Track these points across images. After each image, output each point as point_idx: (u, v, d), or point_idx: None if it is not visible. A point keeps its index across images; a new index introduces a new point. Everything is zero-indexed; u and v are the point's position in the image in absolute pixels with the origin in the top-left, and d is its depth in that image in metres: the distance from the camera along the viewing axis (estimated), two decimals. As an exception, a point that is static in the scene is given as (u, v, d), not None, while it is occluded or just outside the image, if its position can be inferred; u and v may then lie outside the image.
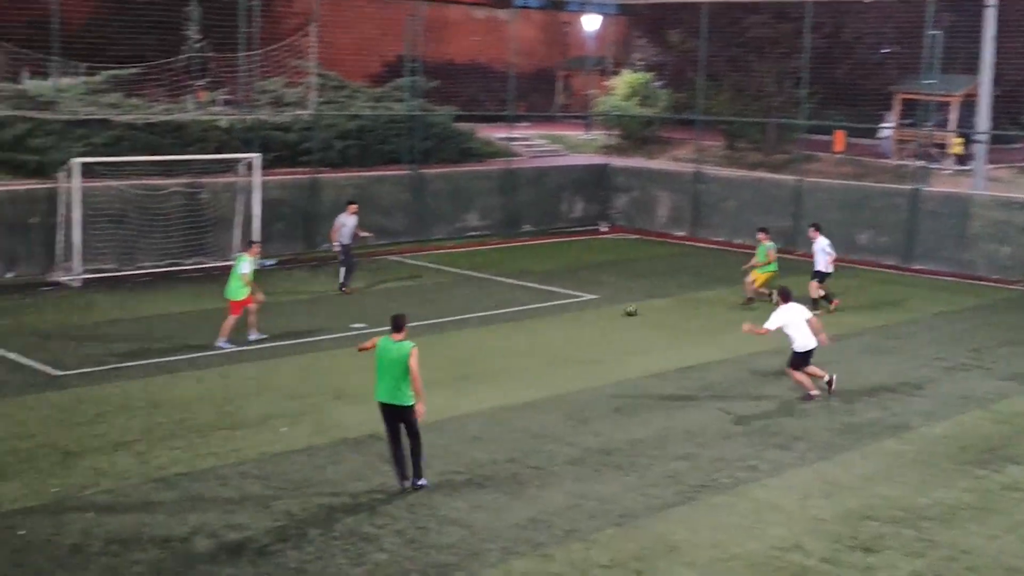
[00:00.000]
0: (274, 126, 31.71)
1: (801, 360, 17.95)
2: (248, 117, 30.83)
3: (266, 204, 28.43)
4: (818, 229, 24.93)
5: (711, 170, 36.36)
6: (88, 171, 25.38)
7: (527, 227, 35.82)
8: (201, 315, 22.34)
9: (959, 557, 12.29)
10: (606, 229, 36.94)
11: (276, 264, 28.24)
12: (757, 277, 24.78)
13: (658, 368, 19.77)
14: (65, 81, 28.59)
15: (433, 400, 17.23)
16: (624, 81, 41.91)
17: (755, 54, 38.75)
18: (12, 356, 19.04)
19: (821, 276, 24.56)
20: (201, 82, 31.30)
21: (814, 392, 17.97)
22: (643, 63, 44.69)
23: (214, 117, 30.71)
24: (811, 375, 18.02)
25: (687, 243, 34.84)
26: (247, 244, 21.28)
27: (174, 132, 29.90)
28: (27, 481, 13.49)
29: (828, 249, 24.54)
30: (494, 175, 35.52)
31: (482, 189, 35.00)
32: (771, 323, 17.82)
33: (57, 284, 24.96)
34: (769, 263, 24.70)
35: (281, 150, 31.72)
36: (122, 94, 29.84)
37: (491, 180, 35.33)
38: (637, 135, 41.74)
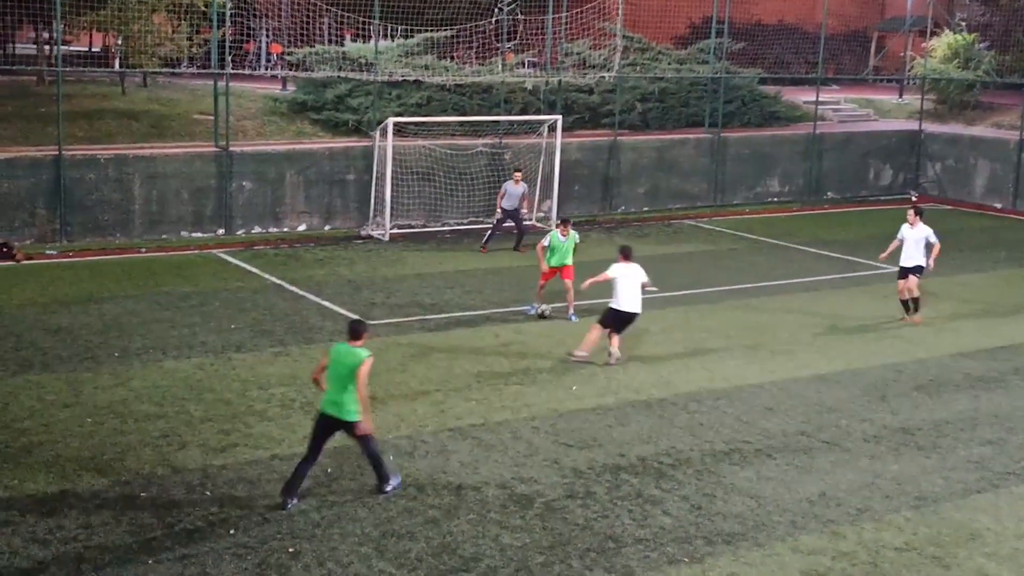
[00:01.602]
0: (577, 88, 32.05)
1: (612, 319, 17.05)
2: (553, 79, 31.31)
3: (565, 165, 28.85)
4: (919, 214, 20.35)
5: (1037, 138, 33.93)
6: (400, 130, 26.56)
7: (830, 194, 34.69)
8: (500, 272, 22.98)
9: None
10: (916, 199, 35.21)
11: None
12: None
13: (966, 347, 18.73)
14: (383, 44, 29.92)
15: (724, 368, 17.14)
16: (944, 42, 39.56)
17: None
18: (326, 303, 20.26)
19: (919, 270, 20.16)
20: (509, 44, 32.00)
21: (580, 354, 17.12)
22: (966, 23, 42.05)
23: (520, 79, 31.38)
24: (606, 344, 17.13)
25: (1007, 216, 32.73)
26: (562, 222, 20.15)
27: (481, 93, 30.77)
28: (336, 422, 14.32)
29: (932, 238, 20.14)
30: (798, 140, 34.53)
31: (784, 154, 34.13)
32: (610, 271, 17.21)
33: (369, 237, 26.32)
34: None
35: (583, 112, 32.07)
36: (434, 56, 30.95)
37: (794, 145, 34.39)
38: (955, 100, 39.41)
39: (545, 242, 19.73)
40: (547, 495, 12.39)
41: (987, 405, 15.87)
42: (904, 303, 20.10)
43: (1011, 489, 12.95)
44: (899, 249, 20.31)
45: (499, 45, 31.46)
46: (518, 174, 25.77)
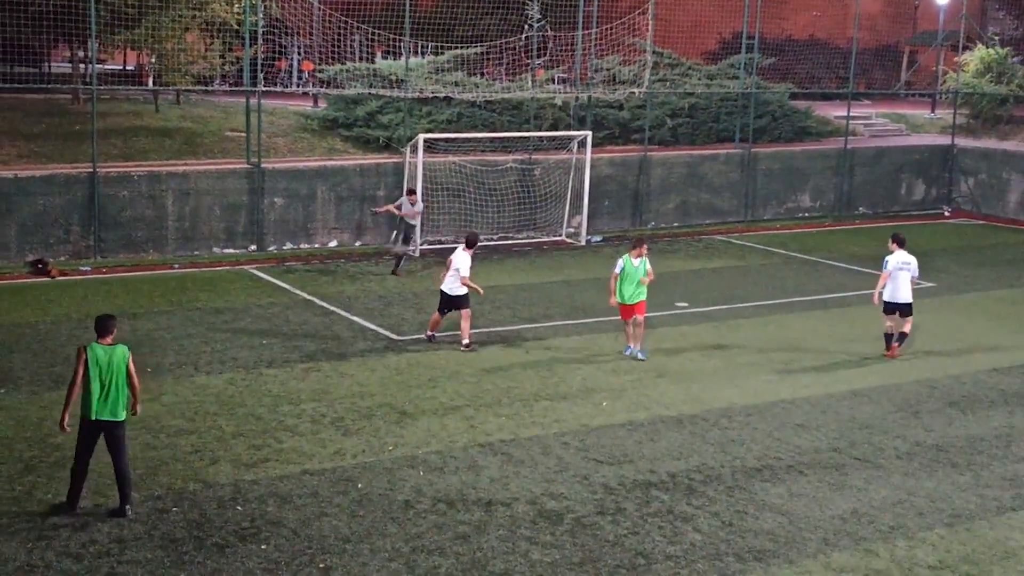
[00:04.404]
0: (607, 104, 32.08)
1: (445, 302, 18.56)
2: (583, 95, 31.35)
3: (595, 181, 28.86)
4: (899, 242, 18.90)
5: (1072, 152, 33.66)
6: (430, 147, 26.66)
7: (862, 209, 34.51)
8: (529, 288, 23.00)
9: None
10: (949, 213, 34.98)
11: (602, 240, 28.64)
12: None
13: (1000, 363, 18.56)
14: (414, 61, 30.08)
15: (755, 384, 17.07)
16: (977, 57, 39.33)
17: None
18: (357, 319, 20.34)
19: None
20: (539, 61, 32.08)
21: (432, 334, 18.79)
22: (999, 37, 41.80)
23: (550, 95, 31.45)
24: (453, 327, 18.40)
25: (1040, 231, 32.44)
26: (635, 243, 18.50)
27: (511, 110, 30.84)
28: (366, 438, 14.37)
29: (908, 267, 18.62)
30: (829, 154, 34.39)
31: (815, 169, 33.99)
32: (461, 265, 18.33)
33: (393, 254, 26.37)
34: None
35: (613, 127, 32.09)
36: (464, 73, 31.07)
37: (826, 160, 34.24)
38: (988, 115, 39.15)
39: (616, 268, 18.08)
40: (577, 511, 12.36)
41: (1022, 422, 15.71)
42: (889, 336, 18.88)
43: (1047, 507, 12.82)
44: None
45: (529, 61, 31.56)
46: (414, 196, 24.56)
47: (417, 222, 24.91)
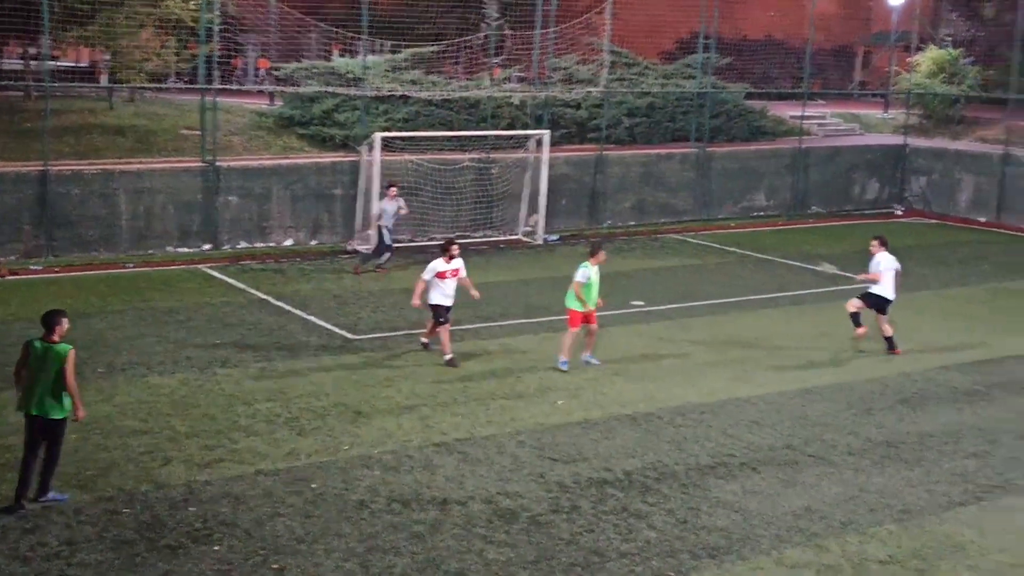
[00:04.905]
0: (565, 103, 32.14)
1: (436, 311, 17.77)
2: (540, 94, 31.38)
3: (552, 180, 28.91)
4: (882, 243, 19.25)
5: (1022, 152, 34.09)
6: (387, 145, 26.59)
7: (816, 208, 34.80)
8: (486, 287, 22.93)
9: None
10: (901, 212, 35.37)
11: (559, 239, 28.69)
12: None
13: (951, 360, 18.80)
14: (371, 59, 29.98)
15: (710, 382, 17.17)
16: (929, 57, 39.80)
17: (1078, 27, 35.93)
18: (312, 318, 20.24)
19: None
20: (497, 59, 32.10)
21: (424, 341, 18.27)
22: (951, 38, 42.32)
23: (507, 94, 31.46)
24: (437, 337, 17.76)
25: (991, 230, 32.87)
26: (594, 249, 17.92)
27: (469, 108, 30.83)
28: (321, 438, 14.31)
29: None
30: (784, 154, 34.66)
31: (770, 168, 34.26)
32: (425, 274, 17.72)
33: (355, 252, 26.30)
34: None
35: (570, 127, 32.15)
36: (422, 71, 31.01)
37: (780, 159, 34.52)
38: (940, 114, 39.63)
39: (582, 278, 17.33)
40: (532, 509, 12.38)
41: (971, 418, 15.93)
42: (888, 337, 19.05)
43: (995, 502, 12.99)
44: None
45: (487, 60, 31.57)
46: (393, 189, 24.63)
47: (391, 222, 24.59)
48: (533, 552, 11.37)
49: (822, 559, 11.45)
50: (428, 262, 18.19)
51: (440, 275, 17.64)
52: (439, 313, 17.69)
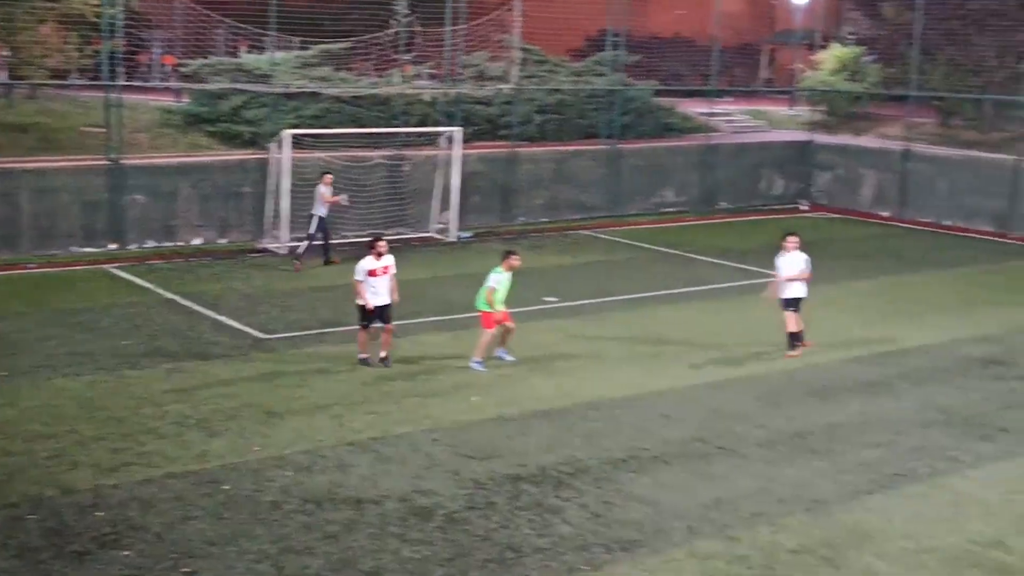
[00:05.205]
0: (476, 100, 32.14)
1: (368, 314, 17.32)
2: (451, 91, 31.33)
3: (465, 177, 28.89)
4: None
5: (922, 148, 34.98)
6: (297, 142, 26.34)
7: (724, 204, 35.26)
8: (400, 285, 22.83)
9: None
10: (807, 208, 36.02)
11: (472, 236, 28.69)
12: None
13: (856, 352, 19.18)
14: (279, 55, 29.66)
15: (622, 376, 17.31)
16: (832, 55, 40.62)
17: (975, 27, 36.91)
18: (222, 318, 19.97)
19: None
20: (407, 56, 31.97)
21: (364, 356, 17.38)
22: (854, 37, 43.23)
23: (418, 91, 31.35)
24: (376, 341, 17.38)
25: (892, 224, 33.65)
26: (506, 255, 17.80)
27: (379, 105, 30.66)
28: (232, 439, 14.13)
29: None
30: (692, 151, 35.08)
31: (679, 165, 34.63)
32: (357, 274, 17.25)
33: (265, 251, 26.02)
34: None
35: (482, 124, 32.16)
36: (332, 68, 30.75)
37: (689, 156, 34.92)
38: (843, 111, 40.47)
39: (494, 283, 17.31)
40: (447, 507, 12.37)
41: (876, 409, 16.28)
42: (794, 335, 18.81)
43: (899, 490, 13.29)
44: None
45: (397, 57, 31.42)
46: (328, 176, 24.81)
47: (325, 211, 24.67)
48: (449, 549, 11.36)
49: (733, 550, 11.61)
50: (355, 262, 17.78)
51: (371, 272, 17.41)
52: (364, 316, 17.47)
